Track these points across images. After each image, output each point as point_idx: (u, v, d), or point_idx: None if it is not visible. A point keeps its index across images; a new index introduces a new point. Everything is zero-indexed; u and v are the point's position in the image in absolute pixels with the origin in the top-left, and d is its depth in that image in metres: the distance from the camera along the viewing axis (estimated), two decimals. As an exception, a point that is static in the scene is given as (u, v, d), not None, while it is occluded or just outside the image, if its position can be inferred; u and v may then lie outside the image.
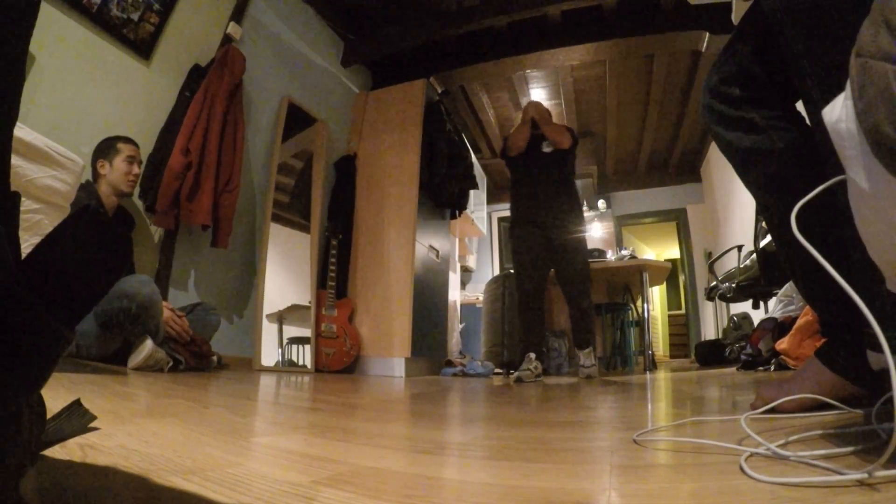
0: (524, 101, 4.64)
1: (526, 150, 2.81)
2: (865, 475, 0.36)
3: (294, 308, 2.91)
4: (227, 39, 2.56)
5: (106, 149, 1.85)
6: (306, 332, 2.88)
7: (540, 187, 2.75)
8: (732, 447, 0.51)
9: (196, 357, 1.84)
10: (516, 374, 2.49)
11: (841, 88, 0.37)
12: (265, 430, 0.72)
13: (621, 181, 6.31)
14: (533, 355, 2.56)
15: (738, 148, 0.87)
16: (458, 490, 0.42)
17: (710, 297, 3.89)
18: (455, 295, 4.56)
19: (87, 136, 1.87)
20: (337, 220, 3.21)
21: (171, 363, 1.70)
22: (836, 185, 0.44)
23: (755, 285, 3.09)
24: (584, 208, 6.08)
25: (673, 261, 5.61)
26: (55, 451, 0.40)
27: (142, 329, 1.63)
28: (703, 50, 3.36)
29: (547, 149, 2.78)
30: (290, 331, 2.91)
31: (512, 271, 3.96)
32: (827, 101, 0.39)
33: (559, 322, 3.79)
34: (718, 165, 5.09)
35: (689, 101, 4.51)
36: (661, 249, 7.81)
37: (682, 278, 6.47)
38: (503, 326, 3.68)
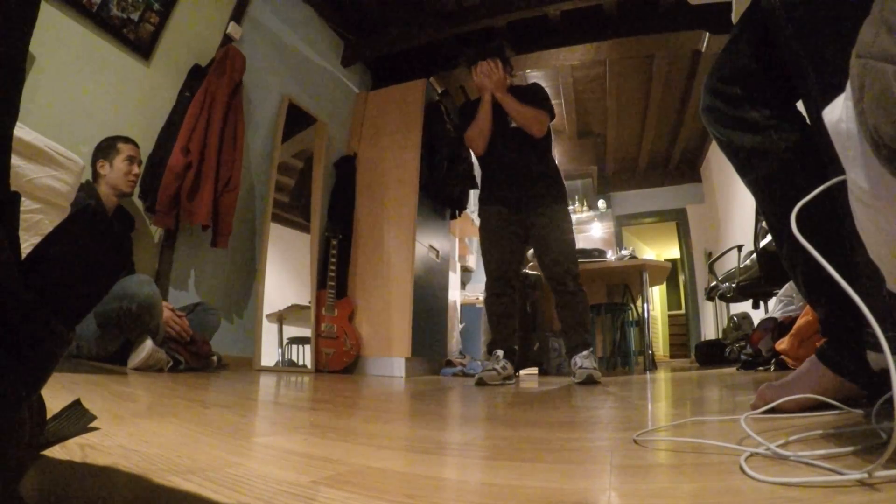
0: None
1: (495, 122, 2.32)
2: (865, 475, 0.36)
3: (294, 308, 2.91)
4: (227, 39, 2.56)
5: (106, 149, 1.85)
6: (306, 332, 2.88)
7: (509, 165, 2.30)
8: (732, 447, 0.51)
9: (196, 357, 1.85)
10: (478, 374, 2.11)
11: (841, 89, 0.37)
12: (265, 430, 0.72)
13: (621, 181, 6.32)
14: (500, 353, 2.16)
15: (739, 148, 0.87)
16: (458, 490, 0.42)
17: (710, 297, 3.89)
18: (455, 295, 4.56)
19: (87, 136, 1.87)
20: (337, 220, 3.21)
21: (171, 363, 1.70)
22: (836, 185, 0.44)
23: (755, 285, 3.08)
24: (584, 207, 6.11)
25: (673, 261, 5.61)
26: (55, 451, 0.40)
27: (142, 329, 1.63)
28: (703, 50, 3.36)
29: (514, 123, 2.32)
30: (290, 331, 2.91)
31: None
32: (827, 102, 0.39)
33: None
34: (718, 165, 5.09)
35: (689, 101, 4.51)
36: (661, 249, 7.81)
37: (682, 278, 6.47)
38: (503, 326, 3.66)
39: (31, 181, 1.21)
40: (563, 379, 2.68)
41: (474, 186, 3.94)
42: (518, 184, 2.29)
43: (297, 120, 3.06)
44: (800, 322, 2.12)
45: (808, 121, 0.80)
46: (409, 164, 3.27)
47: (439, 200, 3.55)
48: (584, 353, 2.07)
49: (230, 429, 0.67)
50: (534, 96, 2.36)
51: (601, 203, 6.12)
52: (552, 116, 2.36)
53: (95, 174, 1.84)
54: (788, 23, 0.69)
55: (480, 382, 2.02)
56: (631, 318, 4.19)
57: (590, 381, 1.95)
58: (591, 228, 6.16)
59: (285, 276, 2.95)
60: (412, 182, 3.22)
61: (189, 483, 0.37)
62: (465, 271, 5.73)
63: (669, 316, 7.43)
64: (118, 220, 1.93)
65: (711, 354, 3.90)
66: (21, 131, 1.21)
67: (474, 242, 5.99)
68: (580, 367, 2.01)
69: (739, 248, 3.26)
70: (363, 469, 0.46)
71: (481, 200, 2.42)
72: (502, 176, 2.33)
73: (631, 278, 3.86)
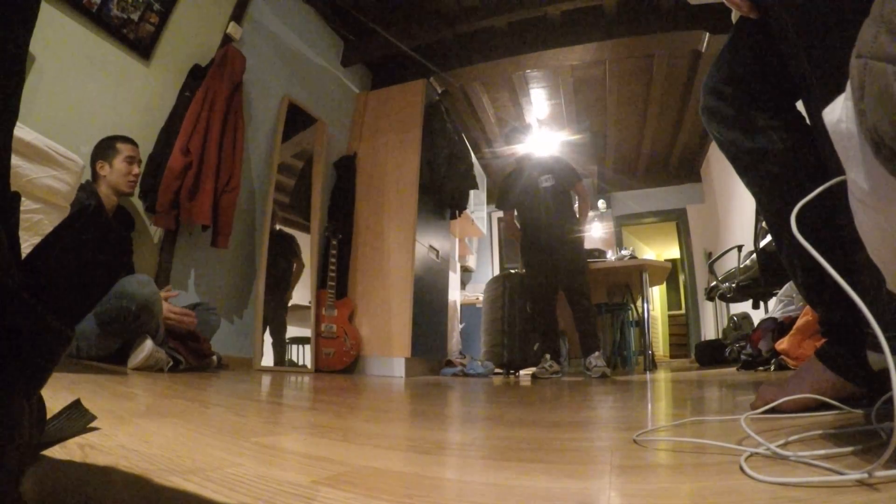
0: (524, 101, 4.64)
1: (525, 186, 3.13)
2: (865, 475, 0.36)
3: (294, 308, 2.91)
4: (227, 39, 2.55)
5: (105, 149, 1.85)
6: (306, 332, 2.88)
7: (542, 217, 3.02)
8: (732, 447, 0.51)
9: (196, 356, 1.84)
10: (533, 371, 2.84)
11: (841, 89, 0.37)
12: (265, 430, 0.72)
13: (621, 181, 6.31)
14: (548, 356, 2.88)
15: (739, 148, 0.87)
16: (458, 490, 0.42)
17: (710, 297, 3.88)
18: (455, 295, 4.55)
19: (87, 136, 1.87)
20: (337, 220, 3.21)
21: (171, 363, 1.69)
22: (836, 185, 0.44)
23: (755, 285, 3.08)
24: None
25: (673, 261, 5.61)
26: (55, 451, 0.40)
27: (142, 329, 1.62)
28: (703, 50, 3.36)
29: (546, 183, 3.07)
30: (291, 331, 2.91)
31: (512, 271, 4.00)
32: (827, 102, 0.39)
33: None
34: (718, 165, 5.09)
35: (689, 101, 4.50)
36: (661, 249, 7.81)
37: (682, 278, 6.47)
38: (503, 326, 3.67)
39: (31, 181, 1.21)
40: (551, 378, 2.69)
41: (474, 186, 3.95)
42: (547, 230, 2.99)
43: (297, 120, 3.06)
44: (800, 322, 2.12)
45: (807, 121, 0.80)
46: (409, 164, 3.27)
47: (439, 200, 3.55)
48: (596, 354, 2.76)
49: (230, 429, 0.67)
50: (570, 174, 3.14)
51: (601, 203, 6.11)
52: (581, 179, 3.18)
53: (95, 174, 1.83)
54: (789, 23, 0.69)
55: (535, 378, 2.76)
56: (631, 318, 4.19)
57: (603, 376, 2.61)
58: (591, 228, 6.15)
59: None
60: (412, 182, 3.22)
61: (189, 483, 0.37)
62: (466, 271, 5.73)
63: (669, 316, 7.43)
64: (118, 220, 1.93)
65: (711, 354, 3.90)
66: (21, 131, 1.21)
67: (474, 242, 6.00)
68: (595, 366, 2.70)
69: (739, 248, 3.26)
70: (363, 469, 0.46)
71: (523, 244, 3.16)
72: (536, 225, 3.06)
73: (631, 278, 3.86)
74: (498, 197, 3.30)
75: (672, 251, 6.97)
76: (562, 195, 3.09)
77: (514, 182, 3.25)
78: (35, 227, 1.19)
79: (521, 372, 3.57)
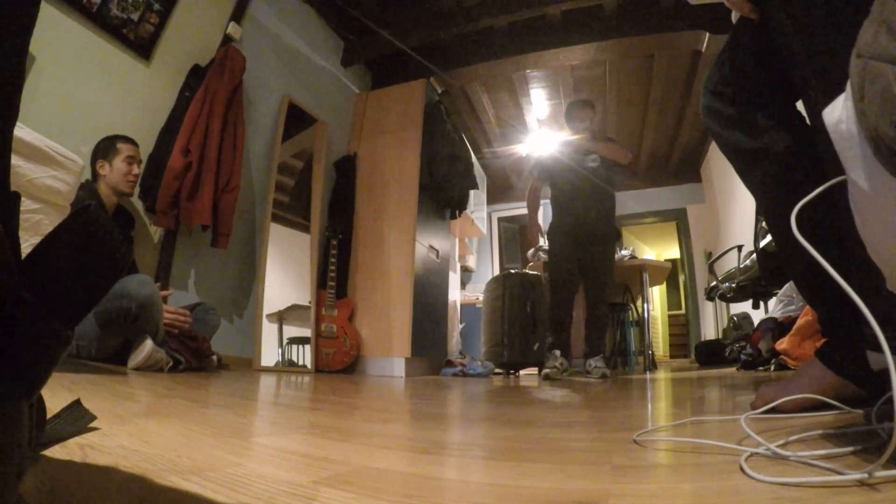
0: (524, 101, 4.64)
1: (567, 163, 2.87)
2: (865, 475, 0.36)
3: (294, 308, 2.91)
4: (227, 39, 2.55)
5: (105, 149, 1.85)
6: (306, 332, 2.88)
7: (580, 205, 2.80)
8: (732, 447, 0.51)
9: (196, 356, 1.84)
10: (544, 371, 2.61)
11: (841, 89, 0.37)
12: (265, 430, 0.72)
13: (621, 181, 6.30)
14: (558, 352, 2.73)
15: (739, 148, 0.87)
16: (458, 490, 0.42)
17: (710, 297, 3.88)
18: (455, 295, 4.56)
19: (87, 136, 1.87)
20: (337, 220, 3.21)
21: (171, 363, 1.69)
22: (836, 185, 0.44)
23: (755, 285, 3.08)
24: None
25: (673, 261, 5.61)
26: (55, 451, 0.40)
27: (141, 329, 1.62)
28: (703, 50, 3.35)
29: (592, 163, 2.82)
30: (290, 331, 2.91)
31: (512, 271, 3.99)
32: (827, 102, 0.39)
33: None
34: (718, 165, 5.09)
35: (689, 101, 4.50)
36: (661, 249, 7.80)
37: (682, 278, 6.47)
38: (503, 326, 3.67)
39: (31, 181, 1.21)
40: (562, 378, 2.69)
41: (474, 186, 3.94)
42: (585, 216, 2.78)
43: (297, 120, 3.06)
44: (800, 322, 2.11)
45: (807, 121, 0.80)
46: (409, 164, 3.27)
47: (439, 200, 3.55)
48: (598, 356, 2.72)
49: (230, 429, 0.67)
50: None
51: (601, 203, 6.10)
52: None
53: (95, 174, 1.83)
54: (789, 23, 0.69)
55: (547, 378, 2.55)
56: (631, 318, 4.19)
57: (603, 377, 2.59)
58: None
59: (285, 276, 2.95)
60: (412, 182, 3.22)
61: (189, 483, 0.37)
62: (465, 271, 5.73)
63: (669, 316, 7.42)
64: (118, 220, 1.93)
65: (711, 354, 3.90)
66: (21, 131, 1.21)
67: (474, 242, 5.99)
68: (595, 367, 2.67)
69: (739, 248, 3.26)
70: (363, 469, 0.46)
71: (554, 229, 2.90)
72: (573, 209, 2.82)
73: (631, 278, 3.86)
74: (532, 164, 3.12)
75: (672, 251, 6.97)
76: (606, 178, 2.84)
77: (552, 157, 2.99)
78: (35, 227, 1.19)
79: (521, 372, 3.57)
